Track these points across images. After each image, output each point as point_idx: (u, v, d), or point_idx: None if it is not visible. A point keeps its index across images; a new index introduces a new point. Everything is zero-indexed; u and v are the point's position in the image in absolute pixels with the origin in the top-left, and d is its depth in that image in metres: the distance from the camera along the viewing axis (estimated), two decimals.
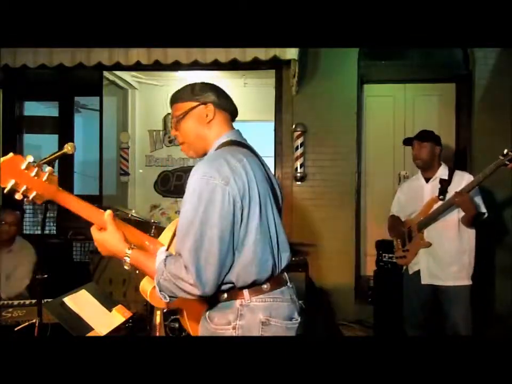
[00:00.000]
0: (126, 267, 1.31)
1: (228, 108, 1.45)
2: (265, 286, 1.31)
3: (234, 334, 1.28)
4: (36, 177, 1.26)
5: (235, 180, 1.22)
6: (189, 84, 1.45)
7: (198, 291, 1.19)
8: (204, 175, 1.22)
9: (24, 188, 1.25)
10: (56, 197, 1.31)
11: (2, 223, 3.11)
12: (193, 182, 1.23)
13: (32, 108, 5.20)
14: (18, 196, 1.25)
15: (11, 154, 1.24)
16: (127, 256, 1.29)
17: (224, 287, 1.28)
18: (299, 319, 1.38)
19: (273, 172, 4.29)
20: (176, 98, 1.44)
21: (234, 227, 1.23)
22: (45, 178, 1.28)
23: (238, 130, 1.47)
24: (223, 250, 1.20)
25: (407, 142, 2.83)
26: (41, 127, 5.06)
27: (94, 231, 1.34)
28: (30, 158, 1.25)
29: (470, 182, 2.51)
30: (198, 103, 1.40)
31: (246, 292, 1.29)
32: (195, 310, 1.43)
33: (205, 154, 1.44)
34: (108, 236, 1.32)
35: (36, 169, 1.26)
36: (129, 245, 1.31)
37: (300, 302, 1.47)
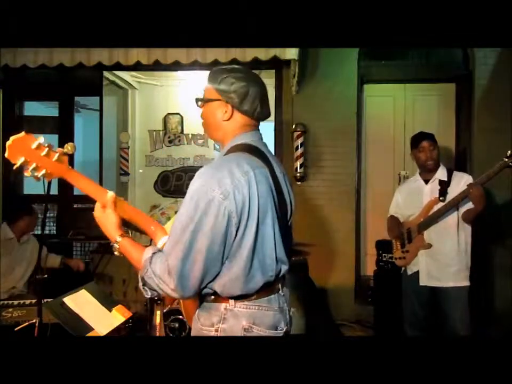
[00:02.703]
0: (115, 252, 1.35)
1: (251, 113, 1.38)
2: (251, 295, 1.32)
3: (216, 336, 1.30)
4: (45, 157, 1.30)
5: (234, 195, 1.21)
6: (226, 69, 1.39)
7: (177, 295, 1.24)
8: (204, 185, 1.22)
9: (33, 165, 1.29)
10: (65, 175, 1.36)
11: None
12: (193, 189, 1.24)
13: (32, 108, 5.19)
14: (27, 173, 1.29)
15: (23, 133, 1.29)
16: (116, 242, 1.34)
17: (209, 291, 1.31)
18: (285, 329, 1.37)
19: None
20: (210, 78, 1.40)
21: (227, 241, 1.23)
22: (55, 158, 1.32)
23: (257, 132, 1.42)
24: (209, 261, 1.22)
25: (423, 138, 2.73)
26: (41, 127, 5.05)
27: (97, 208, 1.38)
28: (41, 139, 1.30)
29: (480, 178, 2.47)
30: (219, 98, 1.36)
31: (231, 299, 1.31)
32: (190, 307, 1.46)
33: (218, 142, 1.45)
34: (104, 217, 1.36)
35: (46, 149, 1.30)
36: (121, 232, 1.35)
37: (293, 309, 1.47)
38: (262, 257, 1.29)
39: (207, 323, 1.32)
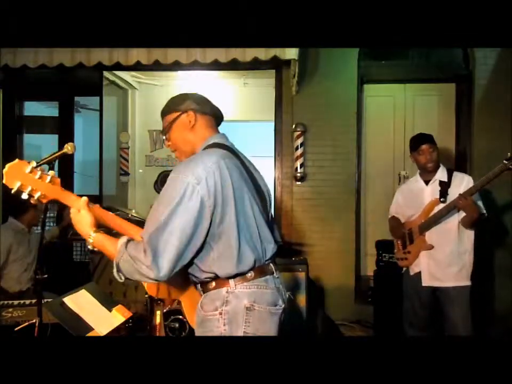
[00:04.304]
0: (89, 246, 1.43)
1: (209, 112, 1.56)
2: (249, 274, 1.40)
3: (221, 319, 1.37)
4: (39, 180, 1.39)
5: (207, 180, 1.32)
6: (171, 98, 1.60)
7: (152, 274, 1.27)
8: (178, 174, 1.34)
9: (29, 188, 1.38)
10: (59, 197, 1.44)
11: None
12: (169, 179, 1.36)
13: (32, 108, 5.20)
14: (24, 196, 1.38)
15: (17, 160, 1.38)
16: (90, 237, 1.41)
17: (210, 275, 1.40)
18: (283, 306, 1.47)
19: (273, 172, 4.32)
20: (163, 113, 1.59)
21: (202, 222, 1.31)
22: (48, 180, 1.40)
23: (223, 134, 1.58)
24: (182, 241, 1.29)
25: (422, 141, 2.71)
26: (41, 127, 5.06)
27: (73, 211, 1.46)
28: (33, 163, 1.39)
29: (473, 185, 2.50)
30: (179, 113, 1.53)
31: (231, 280, 1.39)
32: (191, 301, 1.52)
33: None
34: (79, 217, 1.44)
35: (39, 173, 1.39)
36: (95, 229, 1.43)
37: (288, 292, 1.52)
38: (249, 236, 1.40)
39: (211, 308, 1.39)
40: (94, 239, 1.41)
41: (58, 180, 1.44)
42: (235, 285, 1.39)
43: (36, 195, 1.39)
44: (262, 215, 1.47)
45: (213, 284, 1.41)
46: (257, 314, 1.38)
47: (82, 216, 1.43)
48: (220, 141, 1.52)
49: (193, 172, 1.32)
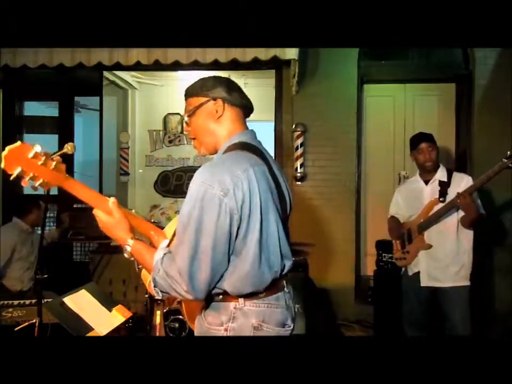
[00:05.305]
0: (125, 255, 1.34)
1: (240, 104, 1.42)
2: (261, 293, 1.31)
3: (225, 335, 1.29)
4: (43, 166, 1.26)
5: (234, 192, 1.20)
6: (201, 79, 1.44)
7: (190, 296, 1.22)
8: (204, 183, 1.20)
9: (30, 175, 1.25)
10: (62, 184, 1.33)
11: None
12: (193, 188, 1.23)
13: (32, 108, 5.20)
14: (23, 183, 1.26)
15: (19, 142, 1.24)
16: (128, 245, 1.32)
17: (218, 291, 1.29)
18: (292, 326, 1.39)
19: None
20: (188, 93, 1.43)
21: (230, 238, 1.22)
22: (52, 166, 1.29)
23: (252, 130, 1.44)
24: (216, 260, 1.21)
25: (421, 139, 2.73)
26: (41, 127, 5.06)
27: (100, 213, 1.36)
28: (37, 147, 1.25)
29: (473, 184, 2.50)
30: (207, 99, 1.38)
31: (241, 298, 1.30)
32: (193, 306, 1.45)
33: (215, 151, 1.42)
34: (114, 222, 1.35)
35: (43, 158, 1.26)
36: (132, 235, 1.34)
37: (297, 306, 1.46)
38: (267, 253, 1.28)
39: (216, 322, 1.30)
40: (132, 247, 1.32)
41: (64, 166, 1.32)
42: (244, 301, 1.29)
43: (38, 182, 1.27)
44: (284, 228, 1.35)
45: (220, 296, 1.30)
46: (264, 335, 1.30)
47: (117, 221, 1.34)
48: (246, 139, 1.38)
49: (219, 182, 1.19)
